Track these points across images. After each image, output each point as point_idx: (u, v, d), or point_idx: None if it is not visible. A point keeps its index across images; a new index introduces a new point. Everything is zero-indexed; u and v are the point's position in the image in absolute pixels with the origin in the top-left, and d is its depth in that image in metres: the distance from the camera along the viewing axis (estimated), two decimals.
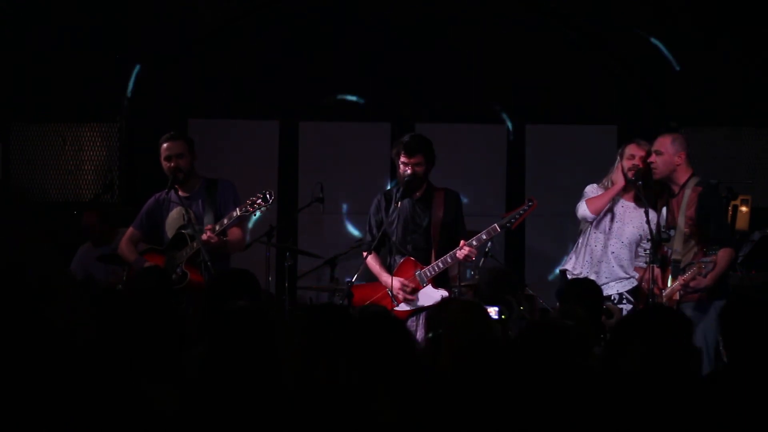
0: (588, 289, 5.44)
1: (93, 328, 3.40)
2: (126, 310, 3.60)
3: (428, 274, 6.34)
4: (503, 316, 6.34)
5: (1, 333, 3.19)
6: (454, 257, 6.28)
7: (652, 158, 6.35)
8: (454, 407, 3.40)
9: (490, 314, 6.36)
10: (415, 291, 6.31)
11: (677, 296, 6.20)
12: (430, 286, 6.35)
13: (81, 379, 3.07)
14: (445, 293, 6.34)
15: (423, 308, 6.24)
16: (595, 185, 6.68)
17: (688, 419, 3.31)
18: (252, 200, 6.15)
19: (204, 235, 6.14)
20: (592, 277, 6.32)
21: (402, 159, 6.42)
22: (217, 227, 6.19)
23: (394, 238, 6.46)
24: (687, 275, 6.09)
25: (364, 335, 3.48)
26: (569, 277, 6.53)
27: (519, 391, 3.37)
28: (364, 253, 6.54)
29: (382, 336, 3.48)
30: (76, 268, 7.99)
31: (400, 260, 6.43)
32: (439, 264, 6.32)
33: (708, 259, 6.06)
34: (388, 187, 7.04)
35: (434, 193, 6.53)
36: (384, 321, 3.60)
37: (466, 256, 6.24)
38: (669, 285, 6.24)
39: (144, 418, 3.13)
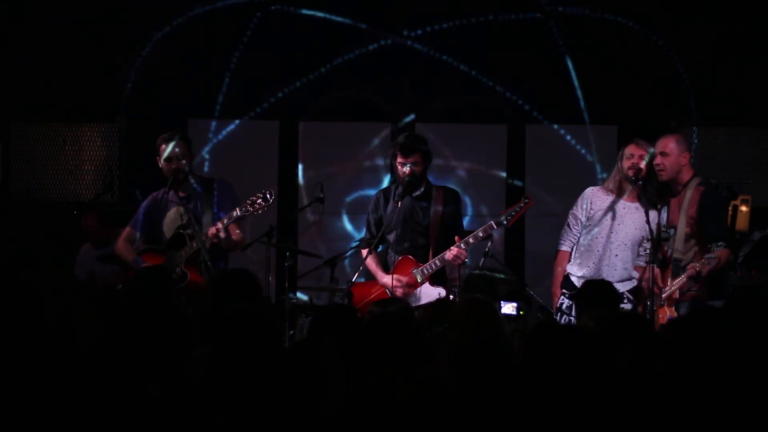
0: (604, 290, 5.42)
1: (96, 329, 3.40)
2: (125, 309, 3.61)
3: (425, 272, 6.35)
4: (521, 312, 6.33)
5: (2, 334, 3.19)
6: (443, 259, 6.29)
7: (659, 160, 6.34)
8: (455, 408, 3.39)
9: (508, 311, 6.36)
10: (410, 285, 6.33)
11: (677, 295, 6.21)
12: (427, 284, 6.36)
13: (83, 378, 3.07)
14: (443, 291, 6.35)
15: (422, 306, 6.24)
16: (594, 188, 6.67)
17: (687, 418, 3.31)
18: (252, 200, 6.15)
19: (212, 228, 6.14)
20: (597, 278, 6.31)
21: (399, 160, 6.43)
22: (226, 220, 6.18)
23: (392, 237, 6.47)
24: (689, 271, 6.09)
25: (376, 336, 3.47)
26: (572, 279, 6.52)
27: (528, 394, 3.37)
28: (363, 252, 6.56)
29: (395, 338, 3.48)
30: (80, 268, 8.00)
31: (398, 258, 6.44)
32: (436, 262, 6.33)
33: (713, 255, 6.07)
34: (388, 186, 7.03)
35: (433, 190, 6.54)
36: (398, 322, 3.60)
37: (456, 257, 6.25)
38: (669, 284, 6.24)
39: (144, 417, 3.13)
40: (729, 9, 8.61)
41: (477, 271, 7.26)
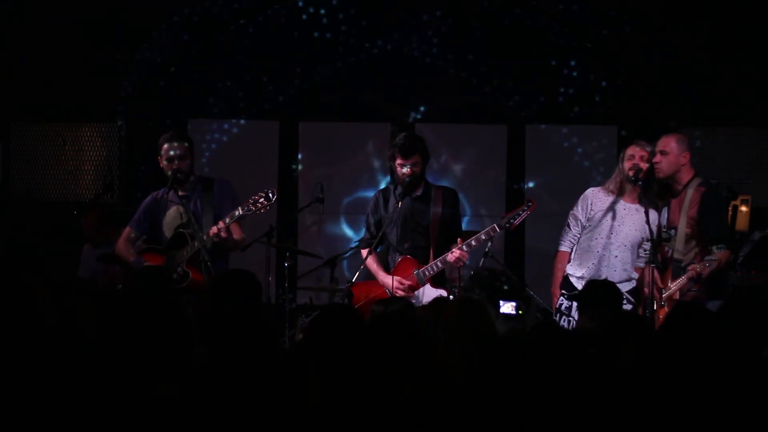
0: (607, 290, 5.42)
1: (95, 329, 3.40)
2: (125, 310, 3.60)
3: (427, 273, 6.34)
4: (521, 311, 6.32)
5: (3, 334, 3.19)
6: (445, 261, 6.28)
7: (657, 158, 6.34)
8: (454, 408, 3.40)
9: (507, 310, 6.35)
10: (411, 288, 6.33)
11: (677, 296, 6.21)
12: (429, 285, 6.36)
13: (84, 378, 3.07)
14: (444, 292, 6.34)
15: (423, 307, 6.24)
16: (594, 189, 6.67)
17: (685, 417, 3.31)
18: (254, 199, 6.14)
19: (214, 228, 6.14)
20: (596, 279, 6.31)
21: (398, 161, 6.42)
22: (228, 219, 6.17)
23: (393, 237, 6.47)
24: (689, 273, 6.10)
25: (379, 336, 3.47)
26: (572, 280, 6.52)
27: (523, 391, 3.37)
28: (363, 252, 6.56)
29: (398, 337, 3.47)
30: (83, 268, 8.01)
31: (398, 258, 6.43)
32: (438, 263, 6.33)
33: (713, 257, 6.06)
34: (387, 186, 7.02)
35: (432, 190, 6.54)
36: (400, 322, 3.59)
37: (458, 259, 6.24)
38: (670, 285, 6.24)
39: (146, 417, 3.13)
40: (729, 9, 8.61)
41: (483, 270, 7.26)
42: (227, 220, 6.17)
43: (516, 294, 7.02)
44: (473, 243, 6.30)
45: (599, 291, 5.43)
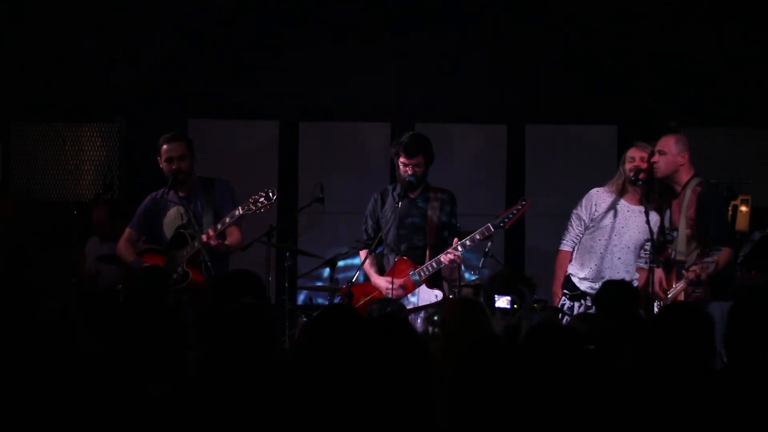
0: (623, 290, 5.41)
1: (89, 329, 3.40)
2: (124, 310, 3.61)
3: (422, 274, 6.35)
4: (515, 306, 6.32)
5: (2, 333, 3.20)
6: (440, 262, 6.29)
7: (655, 158, 6.34)
8: (452, 405, 3.39)
9: (502, 304, 6.35)
10: (406, 287, 6.34)
11: (682, 297, 6.20)
12: (424, 286, 6.36)
13: (80, 378, 3.07)
14: (439, 293, 6.35)
15: (419, 307, 6.25)
16: (599, 189, 6.66)
17: (689, 417, 3.31)
18: (254, 198, 6.15)
19: (204, 236, 6.14)
20: (598, 280, 6.31)
21: (402, 159, 6.42)
22: (219, 226, 6.17)
23: (389, 238, 6.47)
24: (689, 275, 6.09)
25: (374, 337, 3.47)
26: (573, 280, 6.52)
27: (519, 390, 3.37)
28: (361, 253, 6.56)
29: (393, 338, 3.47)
30: (88, 261, 8.01)
31: (394, 260, 6.43)
32: (433, 264, 6.33)
33: (710, 259, 6.05)
34: (385, 187, 7.02)
35: (430, 192, 6.54)
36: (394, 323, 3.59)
37: (452, 261, 6.25)
38: (674, 285, 6.23)
39: (140, 417, 3.13)
40: (729, 8, 8.60)
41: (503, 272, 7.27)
42: (227, 220, 6.18)
43: (516, 290, 7.04)
44: (468, 243, 6.30)
45: (615, 291, 5.41)
